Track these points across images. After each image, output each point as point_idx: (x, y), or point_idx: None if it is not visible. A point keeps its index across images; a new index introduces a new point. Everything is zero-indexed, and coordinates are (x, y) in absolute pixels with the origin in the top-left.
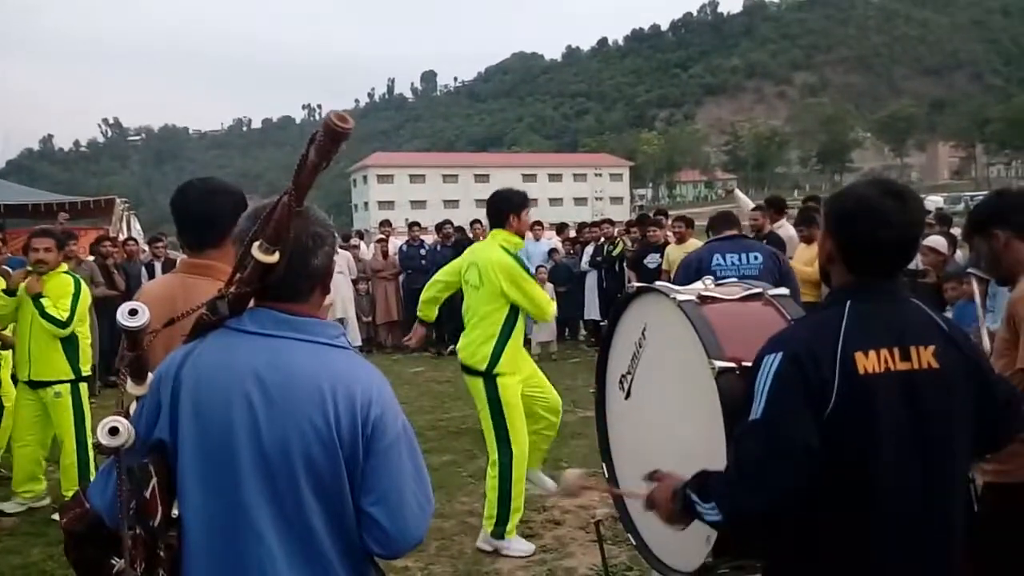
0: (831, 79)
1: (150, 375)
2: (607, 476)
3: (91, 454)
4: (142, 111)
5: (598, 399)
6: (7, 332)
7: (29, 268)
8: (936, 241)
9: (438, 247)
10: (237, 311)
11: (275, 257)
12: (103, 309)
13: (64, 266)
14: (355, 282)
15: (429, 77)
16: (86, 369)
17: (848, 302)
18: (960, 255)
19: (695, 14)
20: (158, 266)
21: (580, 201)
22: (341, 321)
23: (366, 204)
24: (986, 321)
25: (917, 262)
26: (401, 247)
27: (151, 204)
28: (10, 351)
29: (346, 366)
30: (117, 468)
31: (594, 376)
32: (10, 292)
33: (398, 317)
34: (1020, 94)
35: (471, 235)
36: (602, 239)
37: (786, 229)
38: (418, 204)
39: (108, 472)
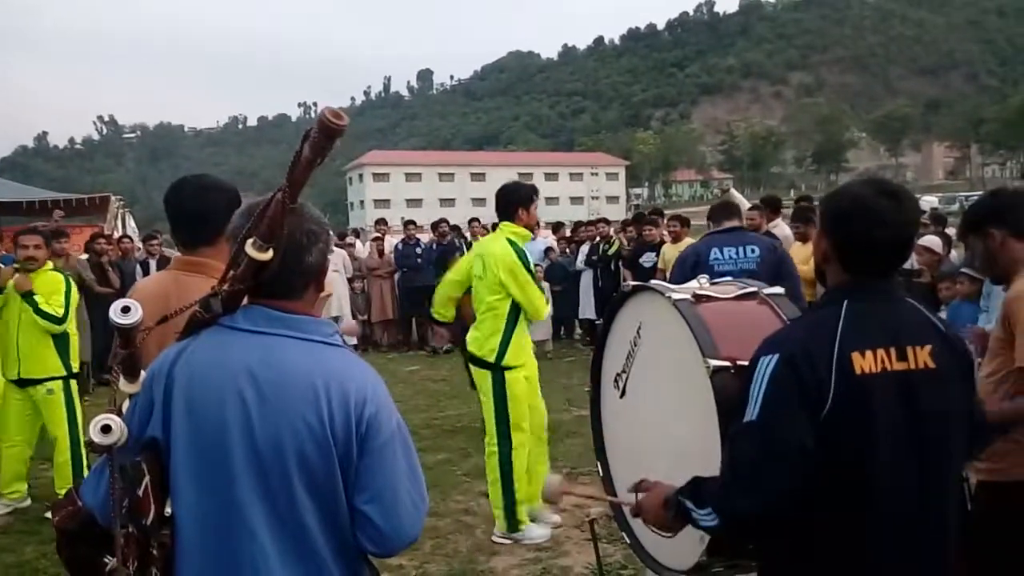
0: (827, 79)
1: (143, 373)
2: (602, 475)
3: (84, 451)
4: (137, 108)
5: (593, 398)
6: None
7: (16, 266)
8: (931, 241)
9: (434, 245)
10: (230, 309)
11: (269, 254)
12: (97, 307)
13: (50, 264)
14: (351, 280)
15: (425, 75)
16: (76, 366)
17: (844, 302)
18: (955, 255)
19: (691, 13)
20: (153, 264)
21: (576, 200)
22: (336, 319)
23: (362, 202)
24: (981, 321)
25: (912, 262)
26: (397, 245)
27: (146, 202)
28: None
29: (340, 364)
30: (110, 466)
31: (589, 375)
32: None
33: (393, 316)
34: (1015, 94)
35: (468, 234)
36: (598, 238)
37: (781, 228)
38: (414, 202)
39: (100, 470)
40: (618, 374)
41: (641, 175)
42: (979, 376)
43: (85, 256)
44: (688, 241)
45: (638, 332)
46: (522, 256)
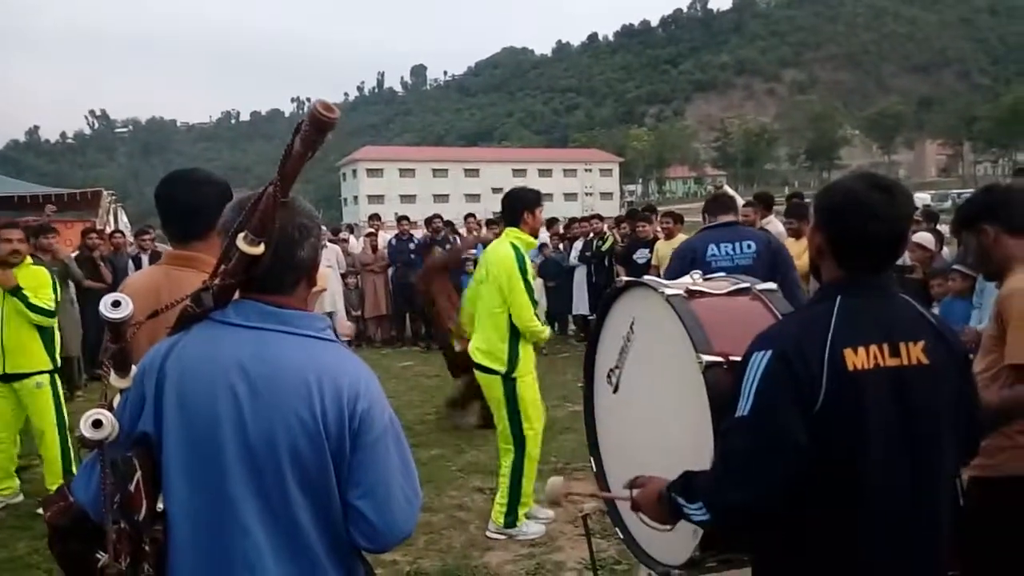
0: (820, 76)
1: (134, 367)
2: (595, 471)
3: (71, 445)
4: (129, 103)
5: (586, 394)
6: None
7: None
8: (923, 237)
9: (427, 241)
10: (222, 303)
11: (260, 249)
12: (89, 302)
13: (29, 259)
14: (344, 276)
15: (419, 71)
16: (58, 360)
17: (838, 297)
18: (947, 252)
19: (685, 10)
20: (145, 259)
21: (570, 196)
22: (330, 315)
23: (355, 198)
24: (973, 318)
25: (904, 258)
26: (390, 241)
27: (138, 196)
28: None
29: (333, 359)
30: (101, 461)
31: (582, 370)
32: None
33: (387, 311)
34: (1007, 92)
35: (463, 230)
36: (591, 234)
37: (774, 225)
38: (408, 198)
39: (92, 465)
40: (611, 370)
41: (635, 171)
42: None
43: (75, 252)
44: (681, 237)
45: (631, 328)
46: (520, 262)
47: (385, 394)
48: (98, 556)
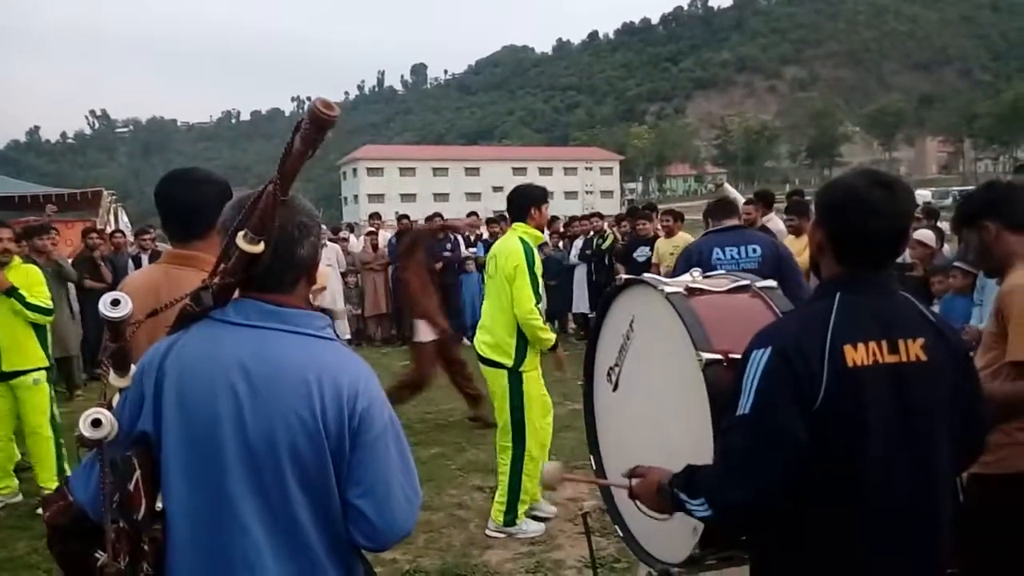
0: (821, 73)
1: (133, 366)
2: (595, 469)
3: (62, 441)
4: (130, 103)
5: (586, 392)
6: None
7: None
8: (924, 235)
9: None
10: (221, 302)
11: (260, 247)
12: (88, 301)
13: (17, 259)
14: (344, 275)
15: (419, 70)
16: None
17: (837, 294)
18: (947, 249)
19: (685, 8)
20: (145, 258)
21: (570, 195)
22: (330, 314)
23: (356, 197)
24: (974, 315)
25: (904, 256)
26: (391, 240)
27: (138, 196)
28: None
29: (333, 358)
30: (100, 460)
31: (582, 368)
32: None
33: (387, 310)
34: (1008, 89)
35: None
36: (592, 232)
37: (775, 223)
38: (408, 197)
39: (91, 465)
40: (611, 368)
41: (635, 170)
42: None
43: (76, 253)
44: (681, 235)
45: (631, 326)
46: (529, 255)
47: (384, 392)
48: (98, 555)
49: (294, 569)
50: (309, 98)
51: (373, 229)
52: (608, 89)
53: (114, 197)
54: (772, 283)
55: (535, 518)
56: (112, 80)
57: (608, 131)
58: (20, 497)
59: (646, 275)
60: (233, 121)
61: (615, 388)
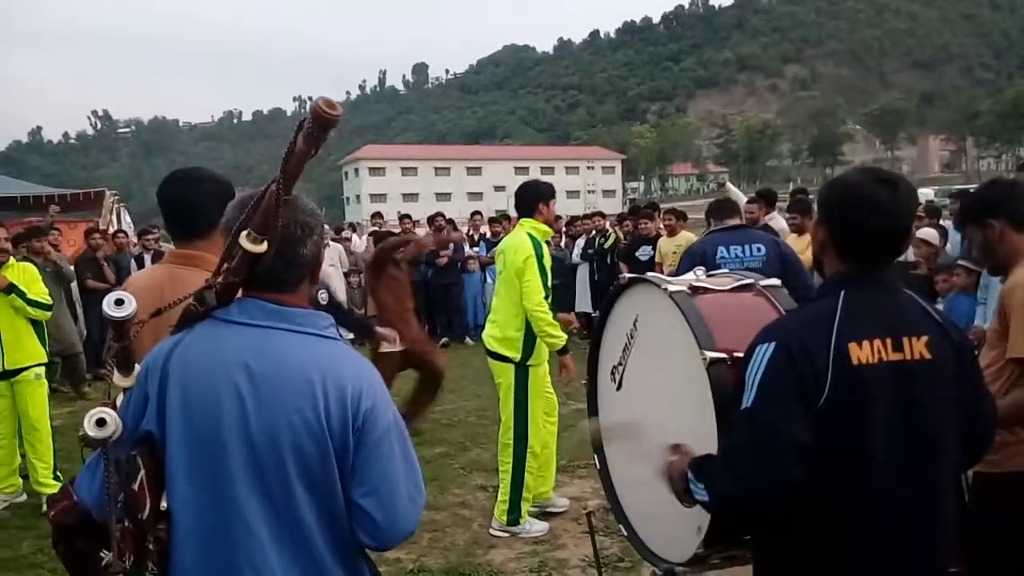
0: (822, 72)
1: (137, 366)
2: (599, 468)
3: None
4: (132, 103)
5: (590, 391)
6: None
7: None
8: (928, 233)
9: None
10: (225, 301)
11: (263, 247)
12: (92, 302)
13: (13, 259)
14: (347, 275)
15: (420, 69)
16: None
17: (841, 292)
18: (949, 247)
19: (687, 7)
20: (148, 258)
21: (572, 194)
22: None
23: (358, 197)
24: (978, 313)
25: (908, 254)
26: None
27: (141, 196)
28: None
29: (336, 357)
30: (104, 460)
31: (586, 368)
32: None
33: None
34: (1010, 87)
35: (464, 228)
36: (594, 232)
37: (777, 221)
38: (410, 197)
39: (95, 464)
40: (615, 367)
41: (637, 169)
42: None
43: (78, 253)
44: (684, 234)
45: (634, 324)
46: (537, 249)
47: (388, 392)
48: (102, 555)
49: (298, 569)
50: (311, 98)
51: (375, 229)
52: (609, 88)
53: (116, 197)
54: (776, 281)
55: (548, 513)
56: (114, 80)
57: (610, 130)
58: (25, 496)
59: (650, 274)
60: (235, 121)
61: (619, 387)
